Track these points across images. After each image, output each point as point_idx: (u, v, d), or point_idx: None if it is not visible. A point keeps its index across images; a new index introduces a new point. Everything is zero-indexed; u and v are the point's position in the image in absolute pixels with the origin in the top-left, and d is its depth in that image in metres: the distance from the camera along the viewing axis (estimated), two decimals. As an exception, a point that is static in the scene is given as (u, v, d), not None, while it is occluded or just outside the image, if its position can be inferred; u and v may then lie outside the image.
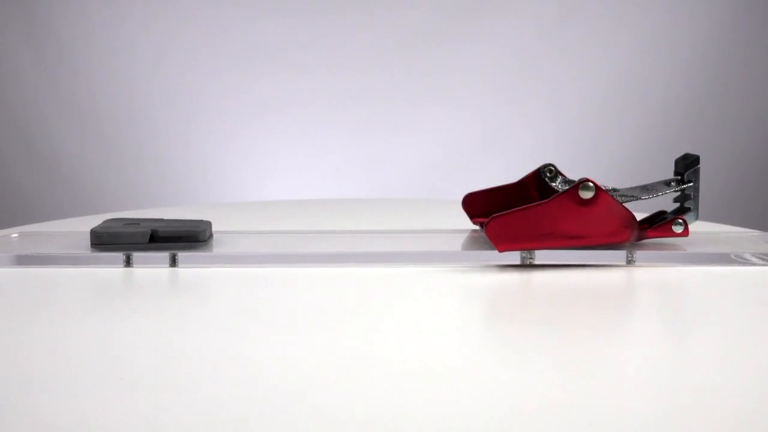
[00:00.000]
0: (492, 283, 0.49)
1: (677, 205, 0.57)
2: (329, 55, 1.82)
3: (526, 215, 0.51)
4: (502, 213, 0.51)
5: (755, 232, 0.63)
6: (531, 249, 0.52)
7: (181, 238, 0.53)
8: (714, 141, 1.89)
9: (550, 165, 0.59)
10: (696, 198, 0.55)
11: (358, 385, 0.32)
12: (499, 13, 1.83)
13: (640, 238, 0.55)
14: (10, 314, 0.42)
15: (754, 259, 0.53)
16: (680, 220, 0.54)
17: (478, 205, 0.61)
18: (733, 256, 0.53)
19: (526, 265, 0.52)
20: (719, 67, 1.89)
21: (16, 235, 0.60)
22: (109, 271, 0.51)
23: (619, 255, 0.53)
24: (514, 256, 0.52)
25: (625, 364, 0.34)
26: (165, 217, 0.58)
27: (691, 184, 0.55)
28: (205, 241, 0.54)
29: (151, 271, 0.51)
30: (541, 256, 0.52)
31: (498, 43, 1.84)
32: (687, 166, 0.55)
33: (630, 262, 0.52)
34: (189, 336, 0.38)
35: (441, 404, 0.30)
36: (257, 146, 1.82)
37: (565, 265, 0.52)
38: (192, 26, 1.80)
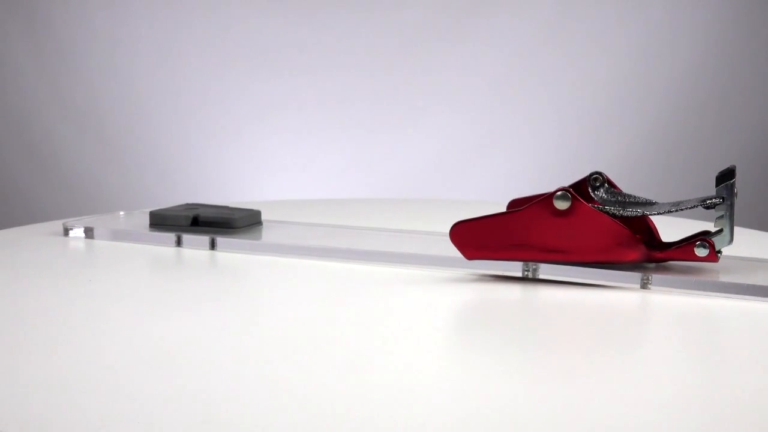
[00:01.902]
0: (484, 293, 0.47)
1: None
2: (329, 55, 1.82)
3: (493, 223, 0.48)
4: (466, 219, 0.49)
5: None
6: (503, 259, 0.49)
7: (218, 224, 0.60)
8: (714, 141, 1.89)
9: (597, 173, 0.51)
10: (729, 218, 0.47)
11: (346, 383, 0.32)
12: (499, 13, 1.83)
13: (658, 259, 0.49)
14: (79, 271, 0.53)
15: None
16: (705, 243, 0.47)
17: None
18: None
19: (528, 279, 0.49)
20: (719, 67, 1.89)
21: (122, 213, 0.68)
22: (161, 249, 0.58)
23: (633, 277, 0.47)
24: (515, 267, 0.49)
25: (608, 402, 0.30)
26: (230, 206, 0.65)
27: (722, 201, 0.47)
28: (238, 228, 0.60)
29: (192, 252, 0.57)
30: (548, 270, 0.49)
31: (498, 43, 1.84)
32: (719, 179, 0.47)
33: (645, 285, 0.47)
34: (183, 314, 0.39)
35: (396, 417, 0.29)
36: (257, 146, 1.82)
37: (571, 282, 0.48)
38: (192, 26, 1.80)
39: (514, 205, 0.53)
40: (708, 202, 0.47)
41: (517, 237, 0.48)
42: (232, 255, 0.57)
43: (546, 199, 0.47)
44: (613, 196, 0.50)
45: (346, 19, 1.82)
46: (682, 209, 0.48)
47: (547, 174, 1.84)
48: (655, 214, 0.48)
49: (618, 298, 0.45)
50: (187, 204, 0.66)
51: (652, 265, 0.49)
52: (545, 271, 0.49)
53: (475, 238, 0.49)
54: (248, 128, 1.82)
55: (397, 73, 1.84)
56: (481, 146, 1.86)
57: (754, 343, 0.38)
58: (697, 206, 0.48)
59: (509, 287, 0.48)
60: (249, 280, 0.51)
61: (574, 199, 0.46)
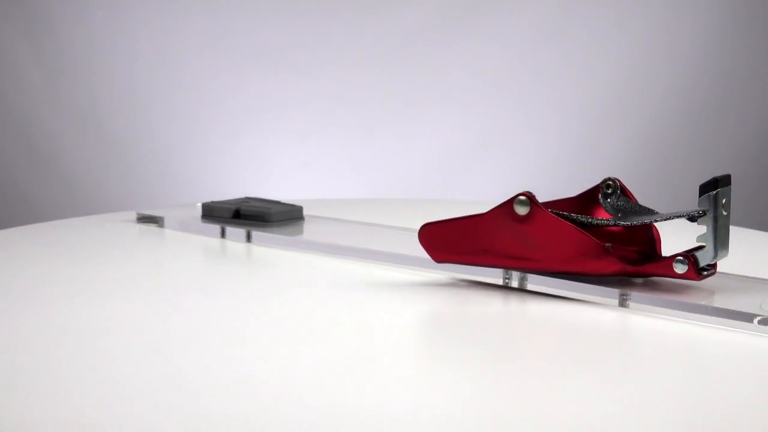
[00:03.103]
0: (456, 301, 0.46)
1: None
2: (329, 55, 1.82)
3: (459, 226, 0.46)
4: (434, 221, 0.48)
5: None
6: (470, 264, 0.47)
7: (256, 217, 0.63)
8: (714, 140, 1.89)
9: (610, 179, 0.47)
10: (713, 232, 0.42)
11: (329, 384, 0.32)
12: (499, 13, 1.83)
13: (633, 273, 0.45)
14: (125, 256, 0.61)
15: None
16: (684, 258, 0.43)
17: None
18: (757, 321, 0.39)
19: (504, 286, 0.47)
20: (720, 67, 1.89)
21: (199, 204, 0.71)
22: (207, 240, 0.62)
23: (611, 293, 0.44)
24: (496, 274, 0.47)
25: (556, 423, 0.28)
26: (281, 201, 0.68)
27: (703, 214, 0.42)
28: (272, 221, 0.62)
29: (231, 244, 0.61)
30: (529, 280, 0.46)
31: (498, 43, 1.84)
32: (701, 190, 0.43)
33: (624, 303, 0.43)
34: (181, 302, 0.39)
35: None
36: (257, 146, 1.82)
37: (548, 294, 0.46)
38: (192, 26, 1.80)
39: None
40: (688, 214, 0.43)
41: (482, 242, 0.46)
42: (265, 248, 0.59)
43: (507, 203, 0.45)
44: (622, 205, 0.46)
45: (346, 19, 1.82)
46: (657, 221, 0.44)
47: (548, 174, 1.84)
48: (627, 225, 0.44)
49: (592, 315, 0.42)
50: (246, 197, 0.69)
51: (640, 280, 0.45)
52: (525, 280, 0.46)
53: (443, 240, 0.47)
54: (248, 128, 1.82)
55: (397, 73, 1.84)
56: (481, 146, 1.86)
57: (725, 379, 0.34)
58: (678, 217, 0.43)
59: (484, 296, 0.46)
60: (265, 273, 0.54)
61: (533, 205, 0.44)
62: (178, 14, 1.79)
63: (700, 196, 0.42)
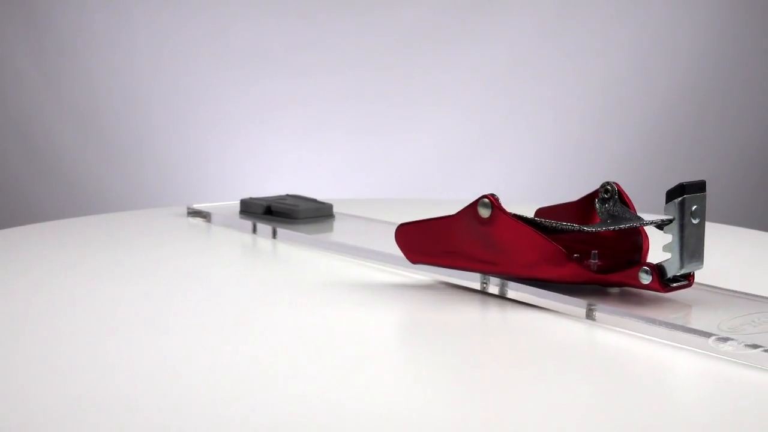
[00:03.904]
0: (428, 303, 0.45)
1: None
2: (329, 55, 1.82)
3: (431, 227, 0.45)
4: (409, 221, 0.47)
5: None
6: (442, 266, 0.46)
7: (284, 214, 0.65)
8: (714, 140, 1.89)
9: (609, 184, 0.43)
10: (679, 241, 0.39)
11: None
12: (499, 13, 1.83)
13: (599, 281, 0.42)
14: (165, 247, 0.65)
15: (745, 351, 0.34)
16: (647, 268, 0.40)
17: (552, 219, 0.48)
18: (711, 342, 0.35)
19: (480, 291, 0.46)
20: (720, 66, 1.89)
21: (236, 202, 0.72)
22: (242, 235, 0.65)
23: (579, 304, 0.41)
24: (474, 278, 0.46)
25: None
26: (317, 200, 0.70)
27: (667, 222, 0.39)
28: (299, 219, 0.64)
29: (259, 239, 0.63)
30: (503, 286, 0.45)
31: (498, 43, 1.84)
32: (668, 196, 0.40)
33: (590, 315, 0.40)
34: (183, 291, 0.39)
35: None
36: (257, 146, 1.82)
37: (518, 301, 0.44)
38: (192, 26, 1.80)
39: (540, 214, 0.48)
40: (654, 222, 0.40)
41: (451, 243, 0.45)
42: (289, 245, 0.61)
43: (472, 204, 0.43)
44: (617, 212, 0.43)
45: (346, 19, 1.82)
46: (620, 227, 0.41)
47: (548, 174, 1.84)
48: (591, 232, 0.42)
49: (555, 325, 0.40)
50: (286, 195, 0.71)
51: (617, 289, 0.42)
52: (506, 287, 0.44)
53: (417, 241, 0.46)
54: (248, 128, 1.82)
55: (397, 73, 1.84)
56: (481, 146, 1.86)
57: (666, 397, 0.32)
58: (646, 225, 0.41)
59: (457, 301, 0.45)
60: (274, 269, 0.55)
61: (495, 208, 0.42)
62: (178, 14, 1.79)
63: (666, 202, 0.39)
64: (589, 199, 0.45)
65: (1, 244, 0.63)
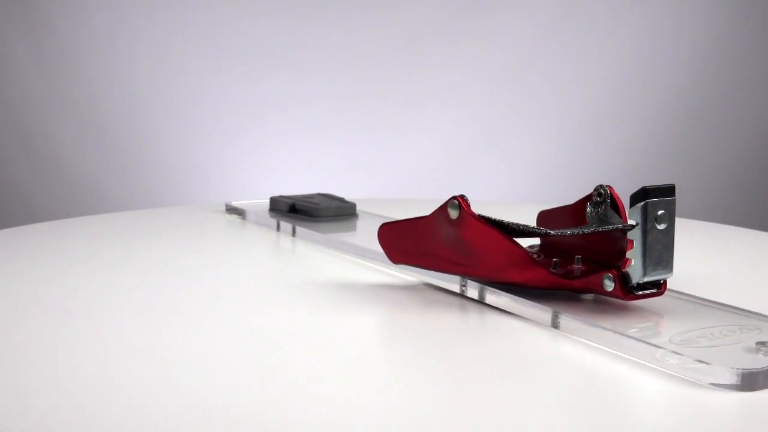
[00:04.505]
0: (404, 304, 0.44)
1: None
2: (329, 55, 1.82)
3: (408, 227, 0.45)
4: (391, 221, 0.46)
5: (754, 319, 0.39)
6: (421, 266, 0.46)
7: (306, 213, 0.66)
8: (714, 140, 1.89)
9: (602, 187, 0.41)
10: (644, 248, 0.38)
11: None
12: (499, 13, 1.83)
13: (564, 287, 0.41)
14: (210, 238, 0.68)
15: (692, 366, 0.33)
16: (610, 275, 0.39)
17: (550, 223, 0.46)
18: (659, 355, 0.34)
19: (458, 294, 0.45)
20: (720, 66, 1.89)
21: (266, 200, 0.75)
22: (268, 232, 0.67)
23: (545, 311, 0.40)
24: (454, 280, 0.45)
25: None
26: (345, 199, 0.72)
27: (629, 227, 0.38)
28: (320, 217, 0.66)
29: (282, 236, 0.65)
30: (479, 290, 0.44)
31: (498, 42, 1.84)
32: (632, 200, 0.38)
33: (555, 324, 0.39)
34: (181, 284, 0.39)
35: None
36: (257, 146, 1.82)
37: (490, 305, 0.43)
38: (192, 26, 1.80)
39: (543, 217, 0.47)
40: (613, 227, 0.39)
41: (427, 245, 0.44)
42: (307, 242, 0.62)
43: (443, 205, 0.42)
44: (608, 217, 0.41)
45: (346, 19, 1.82)
46: (584, 232, 0.40)
47: (548, 174, 1.84)
48: (557, 235, 0.41)
49: (525, 333, 0.39)
50: (317, 193, 0.72)
51: (591, 296, 0.41)
52: (484, 291, 0.43)
53: (397, 241, 0.46)
54: (248, 128, 1.82)
55: (397, 73, 1.84)
56: (481, 146, 1.86)
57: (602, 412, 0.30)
58: (610, 230, 0.39)
59: (434, 303, 0.44)
60: (281, 267, 0.56)
61: (462, 209, 0.41)
62: (178, 14, 1.79)
63: (630, 206, 0.38)
64: (586, 201, 0.43)
65: (1, 244, 0.62)
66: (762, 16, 1.88)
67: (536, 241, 0.46)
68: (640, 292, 0.39)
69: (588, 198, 0.43)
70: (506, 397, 0.32)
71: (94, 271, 0.53)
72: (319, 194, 0.72)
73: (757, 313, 0.38)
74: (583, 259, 0.42)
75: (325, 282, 0.49)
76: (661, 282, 0.39)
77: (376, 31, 1.82)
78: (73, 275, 0.51)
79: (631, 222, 0.38)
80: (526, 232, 0.41)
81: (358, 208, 0.69)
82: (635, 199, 0.38)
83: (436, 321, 0.42)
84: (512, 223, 0.41)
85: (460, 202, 0.41)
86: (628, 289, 0.38)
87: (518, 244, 0.41)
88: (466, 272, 0.44)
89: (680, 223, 0.71)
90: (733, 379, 0.32)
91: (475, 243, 0.41)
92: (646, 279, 0.38)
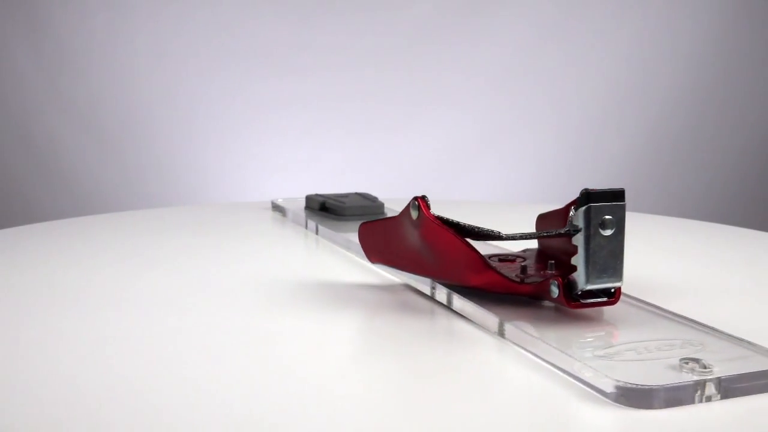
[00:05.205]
0: (381, 305, 0.44)
1: None
2: (329, 55, 1.82)
3: (381, 227, 0.44)
4: (370, 220, 0.46)
5: (705, 330, 0.36)
6: (394, 267, 0.45)
7: (333, 211, 0.68)
8: (714, 140, 1.89)
9: (585, 190, 0.39)
10: (586, 254, 0.35)
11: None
12: (499, 13, 1.83)
13: (518, 293, 0.40)
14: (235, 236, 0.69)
15: (601, 380, 0.30)
16: (556, 282, 0.37)
17: (546, 226, 0.43)
18: (576, 367, 0.32)
19: (428, 296, 0.44)
20: (720, 66, 1.89)
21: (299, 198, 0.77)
22: (299, 229, 0.68)
23: (492, 319, 0.38)
24: (426, 283, 0.44)
25: None
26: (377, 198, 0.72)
27: (577, 232, 0.36)
28: (345, 216, 0.66)
29: (308, 233, 0.66)
30: (444, 294, 0.42)
31: (498, 43, 1.84)
32: (577, 204, 0.36)
33: (501, 333, 0.37)
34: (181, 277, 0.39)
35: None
36: (257, 146, 1.82)
37: (452, 310, 0.42)
38: (192, 26, 1.80)
39: (540, 220, 0.44)
40: (556, 233, 0.37)
41: (396, 245, 0.43)
42: (329, 241, 0.62)
43: (407, 206, 0.41)
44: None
45: (346, 19, 1.82)
46: (536, 237, 0.39)
47: (549, 174, 1.84)
48: (510, 238, 0.39)
49: (474, 341, 0.37)
50: (355, 192, 0.74)
51: (552, 304, 0.39)
52: (452, 296, 0.42)
53: (373, 241, 0.45)
54: (248, 128, 1.82)
55: (397, 73, 1.84)
56: (481, 146, 1.86)
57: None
58: (560, 235, 0.38)
59: (404, 305, 0.44)
60: (288, 265, 0.56)
61: (420, 210, 0.40)
62: (178, 14, 1.79)
63: (575, 210, 0.36)
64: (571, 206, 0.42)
65: (1, 244, 0.62)
66: (762, 16, 1.88)
67: (534, 244, 0.45)
68: (588, 301, 0.36)
69: (575, 201, 0.41)
70: (432, 408, 0.30)
71: (103, 267, 0.53)
72: (355, 193, 0.72)
73: (713, 328, 0.36)
74: (556, 264, 0.40)
75: (313, 281, 0.49)
76: (613, 290, 0.37)
77: (377, 31, 1.82)
78: (73, 275, 0.51)
79: (574, 226, 0.36)
80: (481, 234, 0.40)
81: (386, 207, 0.69)
82: (579, 203, 0.36)
83: (397, 326, 0.40)
84: (468, 225, 0.40)
85: (419, 202, 0.40)
86: (573, 297, 0.36)
87: (472, 246, 0.39)
88: (431, 275, 0.43)
89: (680, 223, 0.71)
90: (612, 392, 0.29)
91: (433, 244, 0.40)
92: (590, 287, 0.36)
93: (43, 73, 1.78)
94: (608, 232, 0.36)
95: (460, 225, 0.39)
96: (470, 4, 1.82)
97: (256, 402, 0.30)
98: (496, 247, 0.49)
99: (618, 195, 0.36)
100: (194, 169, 1.82)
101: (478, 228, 0.39)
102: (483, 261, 0.39)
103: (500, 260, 0.44)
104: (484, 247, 0.47)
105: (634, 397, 0.29)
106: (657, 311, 0.39)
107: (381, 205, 0.69)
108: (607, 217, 0.36)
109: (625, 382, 0.29)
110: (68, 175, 1.79)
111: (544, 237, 0.39)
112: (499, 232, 0.39)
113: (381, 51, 1.83)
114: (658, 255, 0.60)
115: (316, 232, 0.65)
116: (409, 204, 0.41)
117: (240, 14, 1.80)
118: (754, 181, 1.90)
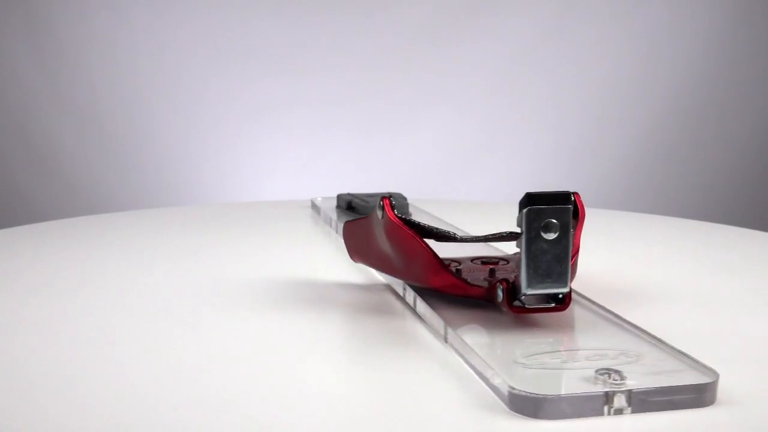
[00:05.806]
0: (360, 306, 0.44)
1: None
2: (329, 55, 1.82)
3: (357, 226, 0.44)
4: (352, 219, 0.45)
5: (651, 343, 0.34)
6: (370, 266, 0.44)
7: (357, 210, 0.68)
8: (714, 140, 1.89)
9: (528, 192, 0.38)
10: (527, 258, 0.34)
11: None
12: (499, 13, 1.83)
13: (474, 296, 0.39)
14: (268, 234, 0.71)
15: (506, 389, 0.29)
16: (501, 285, 0.36)
17: None
18: (489, 374, 0.31)
19: (400, 297, 0.44)
20: (720, 67, 1.89)
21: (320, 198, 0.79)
22: (326, 228, 0.69)
23: (439, 323, 0.37)
24: (398, 283, 0.44)
25: None
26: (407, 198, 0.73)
27: (519, 234, 0.35)
28: (366, 215, 0.65)
29: (329, 232, 0.67)
30: (415, 296, 0.41)
31: (498, 43, 1.84)
32: (520, 206, 0.35)
33: (445, 339, 0.36)
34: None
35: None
36: (257, 146, 1.82)
37: (415, 312, 0.41)
38: (192, 26, 1.80)
39: None
40: (499, 236, 0.36)
41: (371, 244, 0.42)
42: (337, 239, 0.62)
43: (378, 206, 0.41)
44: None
45: (346, 19, 1.82)
46: (487, 240, 0.39)
47: (549, 174, 1.84)
48: (465, 240, 0.39)
49: (419, 342, 0.37)
50: (388, 192, 0.73)
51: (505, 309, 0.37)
52: (416, 299, 0.41)
53: (353, 240, 0.45)
54: (248, 128, 1.82)
55: (397, 73, 1.84)
56: (481, 146, 1.86)
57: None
58: (509, 239, 0.37)
59: (382, 306, 0.44)
60: (292, 264, 0.56)
61: (384, 210, 0.39)
62: (179, 14, 1.79)
63: (519, 213, 0.35)
64: None
65: (1, 244, 0.62)
66: (763, 16, 1.88)
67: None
68: (531, 306, 0.35)
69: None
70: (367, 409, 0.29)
71: (103, 267, 0.53)
72: (387, 193, 0.72)
73: (660, 339, 0.33)
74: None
75: (306, 281, 0.49)
76: (562, 296, 0.35)
77: (376, 31, 1.82)
78: (73, 275, 0.51)
79: (515, 230, 0.35)
80: (439, 235, 0.39)
81: (412, 206, 0.70)
82: (520, 205, 0.34)
83: (362, 328, 0.40)
84: (428, 226, 0.39)
85: (384, 202, 0.39)
86: (517, 301, 0.35)
87: (429, 246, 0.38)
88: (399, 275, 0.42)
89: (680, 223, 0.70)
90: (506, 399, 0.29)
91: (396, 245, 0.40)
92: (531, 292, 0.34)
93: (43, 73, 1.78)
94: (551, 236, 0.34)
95: (421, 225, 0.39)
96: (470, 4, 1.82)
97: (265, 407, 0.30)
98: (496, 248, 0.49)
99: (563, 198, 0.34)
100: (194, 169, 1.82)
101: (437, 229, 0.39)
102: (439, 262, 0.38)
103: (482, 262, 0.44)
104: (477, 250, 0.47)
105: (525, 405, 0.28)
106: (613, 319, 0.37)
107: (405, 206, 0.68)
108: (550, 220, 0.34)
109: (520, 390, 0.28)
110: (68, 175, 1.79)
111: (489, 240, 0.38)
112: (455, 234, 0.39)
113: (381, 51, 1.83)
114: (656, 256, 0.60)
115: (336, 231, 0.65)
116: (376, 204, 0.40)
117: (240, 14, 1.80)
118: (754, 181, 1.90)
